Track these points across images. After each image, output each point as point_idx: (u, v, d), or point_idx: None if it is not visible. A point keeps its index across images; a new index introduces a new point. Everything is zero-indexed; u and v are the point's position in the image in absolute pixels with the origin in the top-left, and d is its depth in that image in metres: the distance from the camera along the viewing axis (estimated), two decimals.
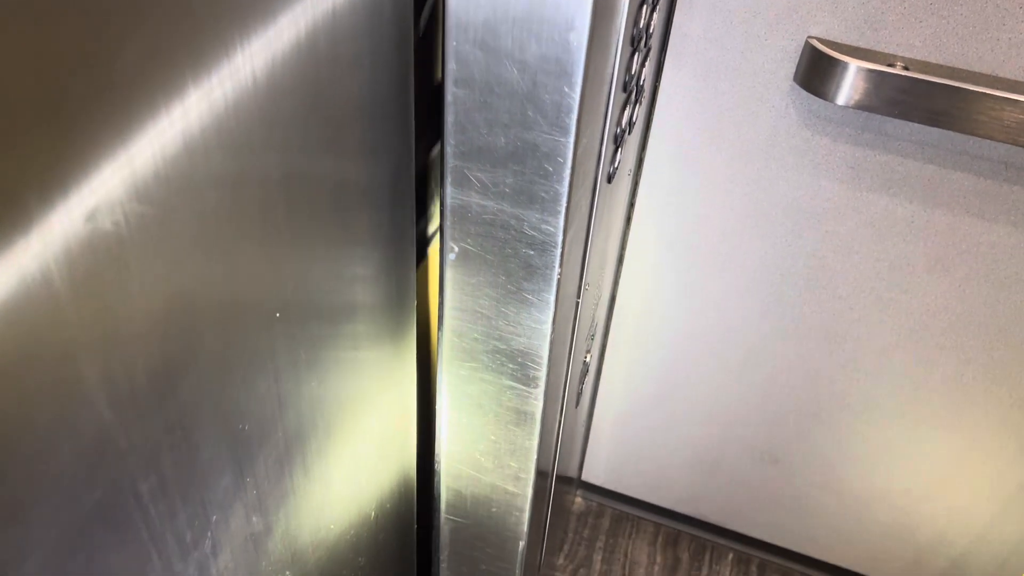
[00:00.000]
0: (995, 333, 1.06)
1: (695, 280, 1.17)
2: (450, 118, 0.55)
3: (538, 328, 0.66)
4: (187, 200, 0.37)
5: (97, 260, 0.32)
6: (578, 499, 1.60)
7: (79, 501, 0.35)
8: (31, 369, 0.30)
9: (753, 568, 1.50)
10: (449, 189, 0.59)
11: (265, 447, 0.51)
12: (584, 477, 1.55)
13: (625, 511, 1.57)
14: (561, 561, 1.50)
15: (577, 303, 0.77)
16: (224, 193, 0.39)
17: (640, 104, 0.85)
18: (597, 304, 1.04)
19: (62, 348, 0.32)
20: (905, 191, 0.99)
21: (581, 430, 1.35)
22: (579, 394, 1.07)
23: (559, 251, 0.60)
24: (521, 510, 0.81)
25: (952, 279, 1.03)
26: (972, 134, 0.87)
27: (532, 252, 0.61)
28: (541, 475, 0.82)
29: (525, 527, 0.83)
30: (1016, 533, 1.24)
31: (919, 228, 1.01)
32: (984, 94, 0.85)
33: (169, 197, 0.36)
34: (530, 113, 0.53)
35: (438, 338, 0.71)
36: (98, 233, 0.32)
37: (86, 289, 0.32)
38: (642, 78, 0.80)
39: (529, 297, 0.64)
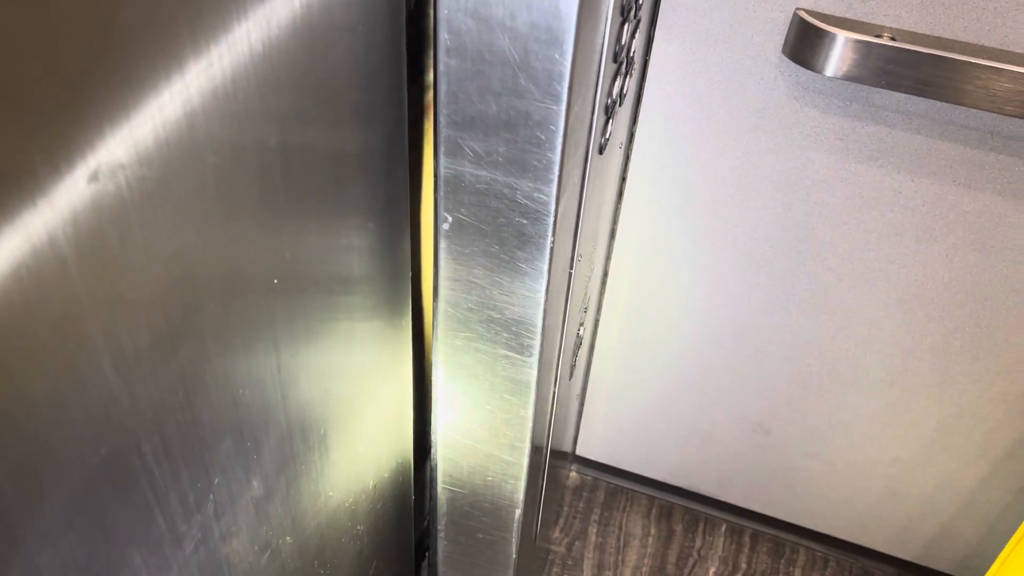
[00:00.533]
0: (982, 301, 1.07)
1: (686, 254, 1.18)
2: (443, 87, 0.56)
3: (532, 297, 0.67)
4: (187, 165, 0.37)
5: (101, 223, 0.33)
6: (573, 473, 1.61)
7: (85, 459, 0.36)
8: (39, 329, 0.31)
9: (746, 539, 1.53)
10: (442, 159, 0.60)
11: (264, 413, 0.51)
12: (579, 451, 1.57)
13: (619, 484, 1.59)
14: (557, 534, 1.52)
15: (570, 274, 0.78)
16: (222, 159, 0.40)
17: (631, 76, 0.86)
18: (590, 277, 1.05)
19: (68, 309, 0.32)
20: (893, 161, 1.00)
21: (575, 404, 1.37)
22: (573, 366, 1.08)
23: (552, 220, 0.61)
24: (517, 478, 0.82)
25: (940, 248, 1.04)
26: (959, 103, 0.88)
27: (525, 221, 0.62)
28: (536, 444, 0.84)
29: (521, 495, 0.84)
30: (1004, 497, 1.26)
31: (907, 198, 1.02)
32: (971, 63, 0.86)
33: (169, 161, 0.36)
34: (522, 81, 0.54)
35: (433, 308, 0.72)
36: (101, 196, 0.33)
37: (91, 251, 0.33)
38: (632, 49, 0.80)
39: (523, 266, 0.65)
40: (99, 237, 0.33)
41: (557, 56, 0.52)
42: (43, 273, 0.31)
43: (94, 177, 0.32)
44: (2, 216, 0.28)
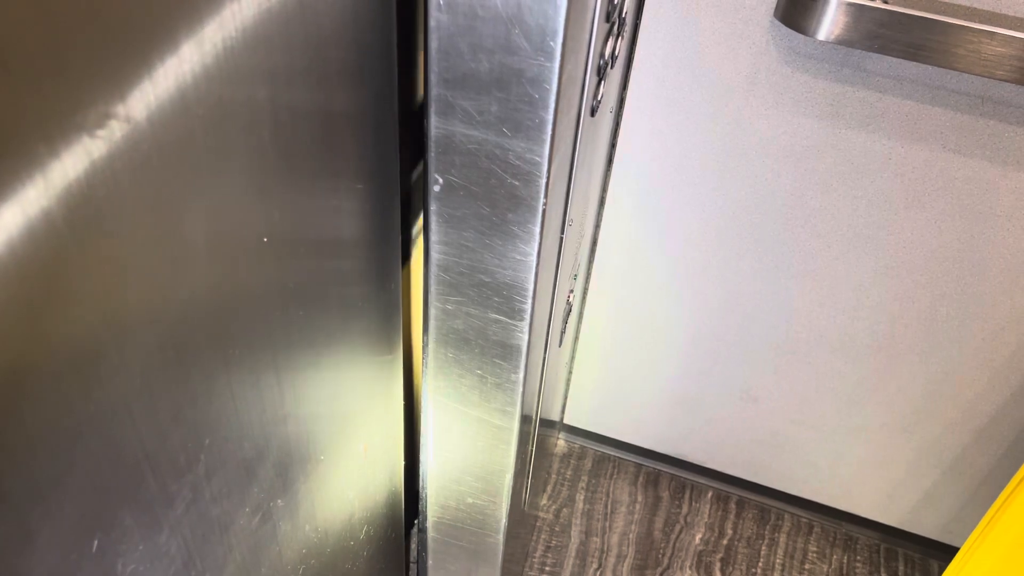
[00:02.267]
0: (969, 268, 1.08)
1: (675, 220, 1.18)
2: (433, 44, 0.55)
3: (523, 260, 0.67)
4: (177, 122, 0.36)
5: (90, 182, 0.32)
6: (560, 441, 1.62)
7: (74, 413, 0.35)
8: (28, 284, 0.31)
9: (732, 505, 1.54)
10: (433, 119, 0.59)
11: (255, 370, 0.51)
12: (566, 419, 1.57)
13: (606, 452, 1.60)
14: (544, 501, 1.53)
15: (561, 238, 0.78)
16: (211, 112, 0.39)
17: (622, 39, 0.85)
18: (580, 244, 1.05)
19: (57, 265, 0.32)
20: (883, 127, 0.99)
21: (564, 371, 1.37)
22: (563, 334, 1.08)
23: (544, 181, 0.61)
24: (507, 443, 0.83)
25: (928, 215, 1.05)
26: (950, 68, 0.88)
27: (517, 183, 0.61)
28: (527, 410, 0.84)
29: (511, 460, 0.84)
30: (988, 463, 1.28)
31: (897, 164, 1.02)
32: (962, 27, 0.86)
33: (160, 119, 0.35)
34: (515, 37, 0.53)
35: (424, 272, 0.71)
36: (92, 155, 0.32)
37: (78, 208, 0.32)
38: (624, 10, 0.79)
39: (514, 229, 0.65)
40: (87, 191, 0.32)
41: (551, 11, 0.51)
42: (33, 232, 0.30)
43: (84, 134, 0.31)
44: None
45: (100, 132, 0.32)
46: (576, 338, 1.40)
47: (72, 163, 0.31)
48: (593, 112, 0.74)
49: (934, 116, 0.97)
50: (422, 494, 0.93)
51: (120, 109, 0.33)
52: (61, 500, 0.36)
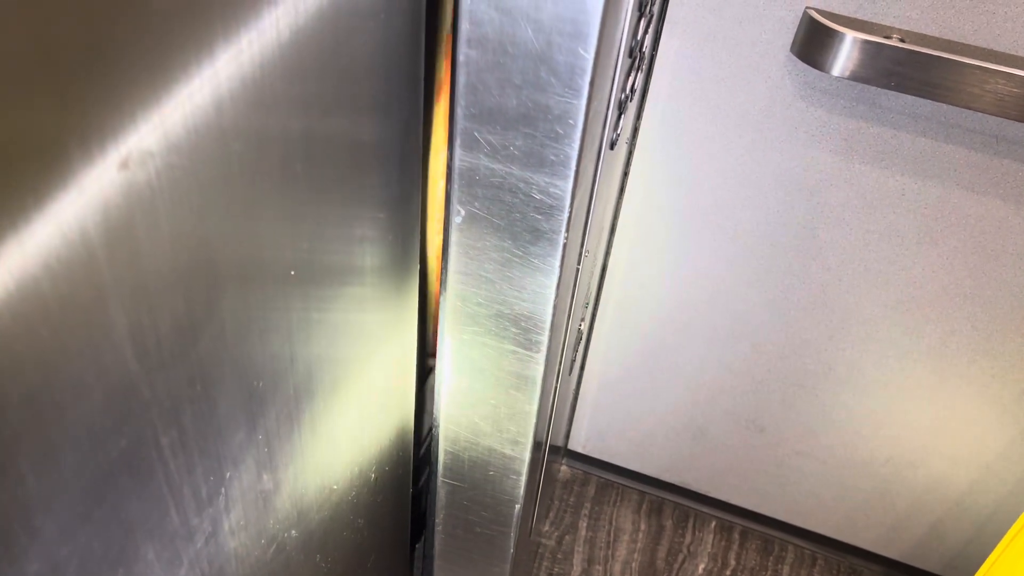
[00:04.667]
0: (980, 305, 1.08)
1: (685, 250, 1.18)
2: (461, 79, 0.55)
3: (542, 293, 0.67)
4: (214, 153, 0.37)
5: (130, 211, 0.32)
6: (564, 467, 1.61)
7: (106, 449, 0.35)
8: (65, 316, 0.30)
9: (735, 535, 1.53)
10: (458, 151, 0.59)
11: (277, 404, 0.51)
12: (570, 445, 1.57)
13: (610, 479, 1.59)
14: (547, 528, 1.52)
15: (578, 270, 0.78)
16: (248, 147, 0.39)
17: (641, 71, 0.85)
18: (593, 272, 1.05)
19: (94, 298, 0.32)
20: (897, 163, 1.00)
21: (571, 398, 1.37)
22: (573, 361, 1.08)
23: (567, 216, 0.61)
24: (518, 474, 0.82)
25: (940, 251, 1.05)
26: (966, 107, 0.88)
27: (540, 216, 0.61)
28: (538, 440, 0.83)
29: (521, 491, 0.84)
30: (992, 500, 1.27)
31: (910, 200, 1.02)
32: (979, 67, 0.86)
33: (197, 149, 0.35)
34: (543, 74, 0.53)
35: (440, 302, 0.71)
36: (130, 184, 0.32)
37: (117, 240, 0.32)
38: (644, 44, 0.80)
39: (535, 262, 0.65)
40: (127, 225, 0.32)
41: (581, 50, 0.51)
42: (71, 261, 0.30)
43: (124, 165, 0.31)
44: (33, 199, 0.28)
45: (140, 166, 0.32)
46: (583, 364, 1.40)
47: (114, 196, 0.31)
48: (612, 145, 0.75)
49: (948, 153, 0.97)
50: (430, 521, 0.92)
51: (159, 129, 0.33)
52: (90, 536, 0.35)
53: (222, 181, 0.38)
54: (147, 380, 0.37)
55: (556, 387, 0.91)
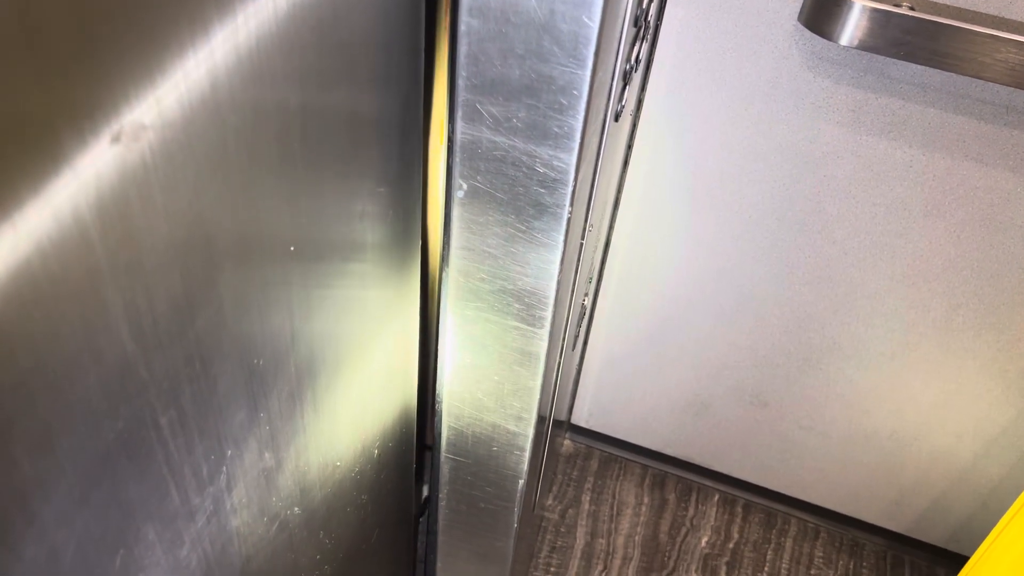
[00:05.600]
0: (987, 278, 1.07)
1: (690, 224, 1.17)
2: (463, 49, 0.54)
3: (546, 268, 0.66)
4: (209, 126, 0.35)
5: (123, 186, 0.31)
6: (567, 441, 1.61)
7: (103, 431, 0.34)
8: (58, 297, 0.30)
9: (738, 508, 1.54)
10: (459, 124, 0.58)
11: (278, 383, 0.50)
12: (573, 420, 1.57)
13: (613, 453, 1.59)
14: (550, 502, 1.53)
15: (581, 244, 0.77)
16: (244, 121, 0.38)
17: (646, 41, 0.84)
18: (596, 247, 1.04)
19: (88, 276, 0.31)
20: (905, 135, 0.98)
21: (574, 373, 1.36)
22: (576, 337, 1.07)
23: (571, 189, 0.60)
24: (522, 449, 0.82)
25: (948, 223, 1.04)
26: (976, 77, 0.87)
27: (543, 190, 0.60)
28: (542, 415, 0.83)
29: (525, 466, 0.83)
30: (997, 474, 1.27)
31: (917, 172, 1.01)
32: (990, 36, 0.84)
33: (192, 123, 0.34)
34: (546, 44, 0.52)
35: (441, 278, 0.71)
36: (124, 158, 0.31)
37: (111, 216, 0.31)
38: (649, 14, 0.78)
39: (538, 236, 0.64)
40: (120, 201, 0.31)
41: (585, 18, 0.50)
42: (63, 240, 0.29)
43: (117, 139, 0.30)
44: (24, 179, 0.27)
45: (133, 140, 0.31)
46: (586, 338, 1.39)
47: (106, 171, 0.30)
48: (617, 117, 0.73)
49: (957, 125, 0.96)
50: (433, 496, 0.92)
51: (152, 105, 0.32)
52: (87, 518, 0.35)
53: (218, 156, 0.37)
54: (144, 360, 0.36)
55: (559, 363, 0.90)
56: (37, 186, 0.27)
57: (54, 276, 0.29)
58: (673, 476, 1.57)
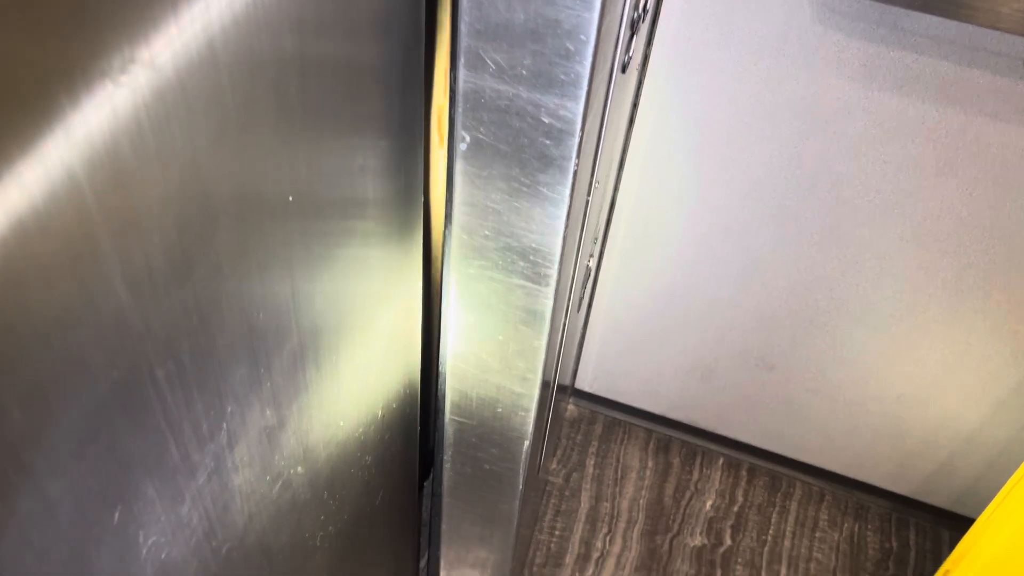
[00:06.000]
0: (999, 237, 1.05)
1: (696, 184, 1.15)
2: None
3: (551, 224, 0.64)
4: (204, 75, 0.34)
5: (116, 136, 0.30)
6: (571, 406, 1.61)
7: (97, 381, 0.33)
8: (48, 245, 0.28)
9: (743, 472, 1.53)
10: (462, 72, 0.56)
11: (279, 339, 0.49)
12: (577, 384, 1.56)
13: (617, 417, 1.59)
14: (554, 466, 1.53)
15: (587, 201, 0.75)
16: (240, 69, 0.36)
17: None
18: (602, 206, 1.02)
19: (79, 224, 0.29)
20: (918, 90, 0.96)
21: (578, 337, 1.35)
22: (581, 299, 1.06)
23: (577, 140, 0.58)
24: (527, 410, 0.81)
25: (960, 182, 1.02)
26: (992, 27, 0.84)
27: (549, 142, 0.59)
28: (547, 376, 0.82)
29: (530, 427, 0.82)
30: (1005, 436, 1.26)
31: (930, 129, 0.99)
32: None
33: (186, 71, 0.33)
34: None
35: (445, 235, 0.69)
36: (116, 107, 0.29)
37: (103, 164, 0.30)
38: None
39: (543, 191, 0.62)
40: (112, 149, 0.30)
41: None
42: (53, 186, 0.28)
43: (108, 86, 0.28)
44: (14, 128, 0.25)
45: (125, 84, 0.30)
46: (590, 303, 1.38)
47: (96, 117, 0.29)
48: (624, 68, 0.71)
49: (971, 79, 0.93)
50: (437, 458, 0.91)
51: (144, 54, 0.30)
52: (83, 473, 0.34)
53: (213, 104, 0.35)
54: (139, 310, 0.34)
55: (565, 323, 0.89)
56: (27, 135, 0.26)
57: (43, 224, 0.28)
58: (678, 440, 1.57)
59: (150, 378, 0.36)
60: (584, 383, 1.55)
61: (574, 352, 1.38)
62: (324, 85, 0.46)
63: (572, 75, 0.54)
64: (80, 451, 0.33)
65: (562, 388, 1.30)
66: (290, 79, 0.42)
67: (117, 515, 0.37)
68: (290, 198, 0.45)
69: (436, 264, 0.80)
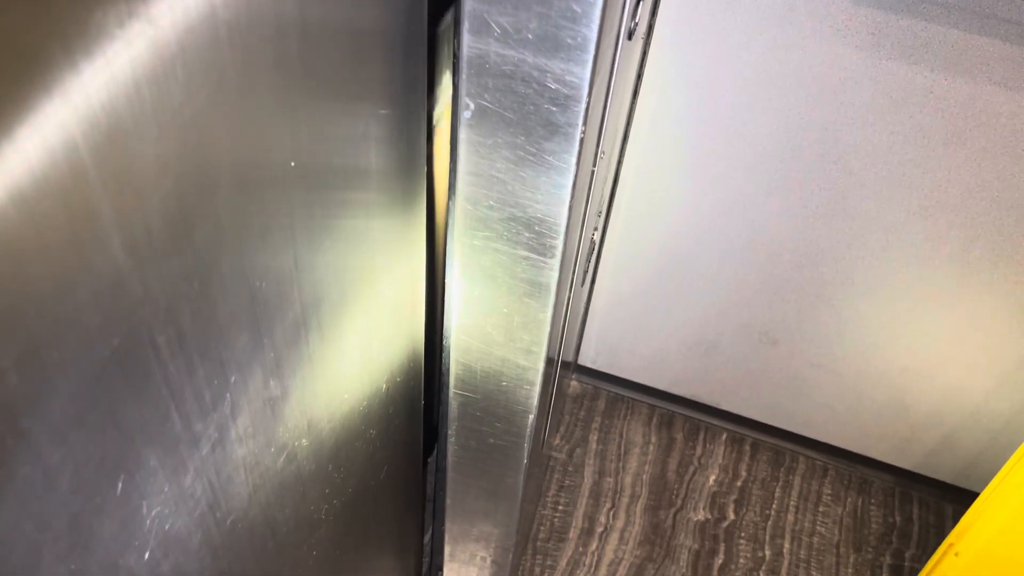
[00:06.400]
0: (1007, 208, 1.04)
1: (701, 156, 1.13)
2: None
3: (557, 194, 0.63)
4: (202, 33, 0.33)
5: (113, 99, 0.29)
6: (574, 382, 1.60)
7: (96, 348, 0.32)
8: (47, 206, 0.27)
9: (746, 447, 1.53)
10: (466, 37, 0.55)
11: (282, 308, 0.48)
12: (580, 361, 1.56)
13: (620, 393, 1.59)
14: (558, 442, 1.52)
15: (593, 171, 0.74)
16: (239, 26, 0.35)
17: None
18: (606, 178, 1.01)
19: (76, 187, 0.29)
20: (927, 58, 0.95)
21: (582, 311, 1.34)
22: (585, 272, 1.05)
23: (584, 106, 0.57)
24: (532, 383, 0.80)
25: (968, 152, 1.00)
26: None
27: (554, 108, 0.57)
28: (552, 350, 0.81)
29: (535, 401, 0.82)
30: (1009, 409, 1.26)
31: (938, 98, 0.97)
32: None
33: (185, 32, 0.32)
34: None
35: (449, 206, 0.68)
36: (114, 68, 0.28)
37: (99, 124, 0.29)
38: None
39: (549, 159, 0.61)
40: (108, 107, 0.29)
41: None
42: (49, 146, 0.27)
43: (104, 37, 0.27)
44: (10, 92, 0.24)
45: (120, 38, 0.29)
46: (594, 278, 1.37)
47: (90, 71, 0.28)
48: (630, 35, 0.70)
49: (981, 47, 0.92)
50: (441, 432, 0.91)
51: (142, 8, 0.29)
52: (84, 441, 0.33)
53: (212, 64, 0.34)
54: (138, 274, 0.34)
55: (569, 297, 0.88)
56: (21, 93, 0.25)
57: (40, 187, 0.27)
58: (681, 415, 1.57)
59: (151, 345, 0.36)
60: (587, 359, 1.54)
61: (577, 328, 1.37)
62: (325, 48, 0.45)
63: (579, 39, 0.53)
64: (80, 418, 0.33)
65: (565, 364, 1.29)
66: (290, 40, 0.41)
67: (120, 485, 0.37)
68: (292, 163, 0.44)
69: (440, 235, 0.79)
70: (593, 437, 1.53)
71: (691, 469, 1.50)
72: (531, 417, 0.84)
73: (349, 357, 0.62)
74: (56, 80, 0.27)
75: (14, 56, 0.25)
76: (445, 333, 0.79)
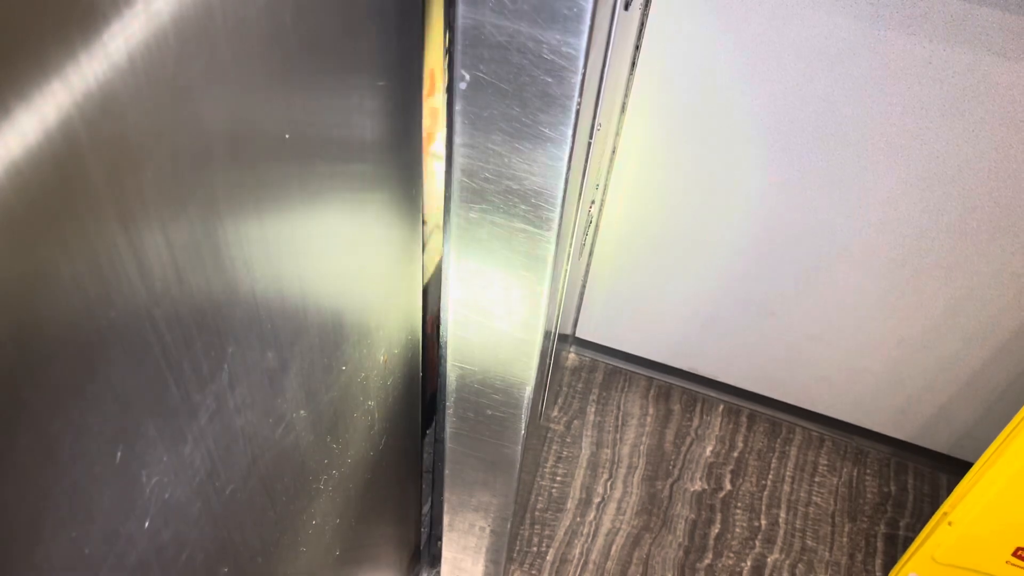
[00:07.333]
0: (1004, 179, 1.04)
1: (698, 128, 1.13)
2: None
3: (553, 165, 0.63)
4: (196, 10, 0.33)
5: (105, 67, 0.29)
6: (572, 355, 1.61)
7: (93, 318, 0.32)
8: (41, 177, 0.27)
9: (743, 419, 1.54)
10: (461, 7, 0.55)
11: (278, 279, 0.48)
12: (578, 333, 1.56)
13: (618, 365, 1.59)
14: (556, 413, 1.53)
15: (589, 144, 0.74)
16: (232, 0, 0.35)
17: None
18: (603, 151, 1.01)
19: (71, 156, 0.29)
20: (926, 28, 0.94)
21: (579, 285, 1.35)
22: (583, 245, 1.05)
23: (579, 78, 0.57)
24: (529, 356, 0.81)
25: (966, 123, 1.00)
26: None
27: (550, 80, 0.57)
28: (549, 322, 0.82)
29: (533, 372, 0.82)
30: (1004, 380, 1.27)
31: (937, 68, 0.97)
32: None
33: (178, 6, 0.32)
34: None
35: (446, 179, 0.68)
36: (101, 27, 0.28)
37: (92, 92, 0.29)
38: None
39: (545, 131, 0.61)
40: (101, 78, 0.29)
41: None
42: (43, 118, 0.27)
43: (96, 9, 0.27)
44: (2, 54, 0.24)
45: (111, 6, 0.28)
46: (591, 250, 1.37)
47: (81, 40, 0.28)
48: (627, 5, 0.70)
49: (981, 16, 0.91)
50: (440, 405, 0.92)
51: None
52: (83, 411, 0.33)
53: (205, 32, 0.34)
54: (134, 246, 0.34)
55: (566, 270, 0.89)
56: (14, 63, 0.25)
57: (35, 157, 0.27)
58: (678, 387, 1.57)
59: (148, 316, 0.36)
60: (585, 331, 1.55)
61: (575, 300, 1.38)
62: (319, 18, 0.44)
63: (575, 9, 0.52)
64: (78, 388, 0.33)
65: (563, 336, 1.30)
66: (284, 10, 0.40)
67: (120, 455, 0.37)
68: (286, 135, 0.44)
69: (438, 209, 0.79)
70: (591, 409, 1.54)
71: (688, 440, 1.51)
72: (528, 389, 0.85)
73: (346, 329, 0.63)
74: (49, 52, 0.27)
75: (5, 28, 0.25)
76: (442, 305, 0.79)
